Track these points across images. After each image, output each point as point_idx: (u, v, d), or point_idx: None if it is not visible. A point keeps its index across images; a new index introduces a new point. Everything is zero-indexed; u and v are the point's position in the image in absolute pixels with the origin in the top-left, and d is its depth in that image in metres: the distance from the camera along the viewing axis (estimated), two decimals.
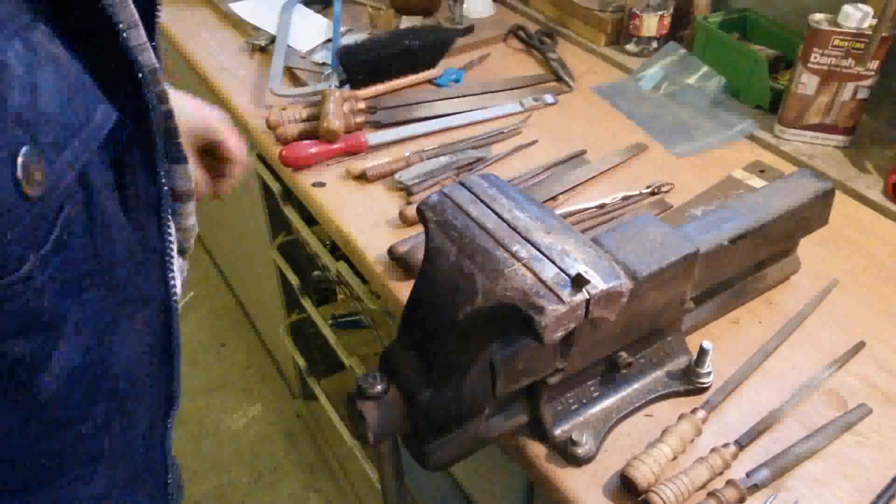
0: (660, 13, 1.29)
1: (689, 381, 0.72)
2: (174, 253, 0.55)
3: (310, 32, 1.37)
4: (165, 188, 0.52)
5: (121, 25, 0.43)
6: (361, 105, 1.14)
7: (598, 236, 0.66)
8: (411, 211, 0.94)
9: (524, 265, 0.54)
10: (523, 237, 0.57)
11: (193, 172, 0.69)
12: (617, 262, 0.62)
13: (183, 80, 1.68)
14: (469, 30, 1.41)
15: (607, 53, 1.36)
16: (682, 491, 0.61)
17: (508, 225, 0.58)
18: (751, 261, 0.77)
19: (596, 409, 0.69)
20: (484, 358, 0.60)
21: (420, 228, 0.93)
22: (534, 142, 1.10)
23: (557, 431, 0.67)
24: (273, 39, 1.36)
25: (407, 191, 0.99)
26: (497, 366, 0.62)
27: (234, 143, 0.78)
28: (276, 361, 2.09)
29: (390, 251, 0.88)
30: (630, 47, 1.34)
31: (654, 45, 1.32)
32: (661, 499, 0.60)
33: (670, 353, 0.74)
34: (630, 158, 1.07)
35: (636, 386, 0.72)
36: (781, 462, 0.65)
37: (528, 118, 1.17)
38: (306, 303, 1.44)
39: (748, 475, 0.64)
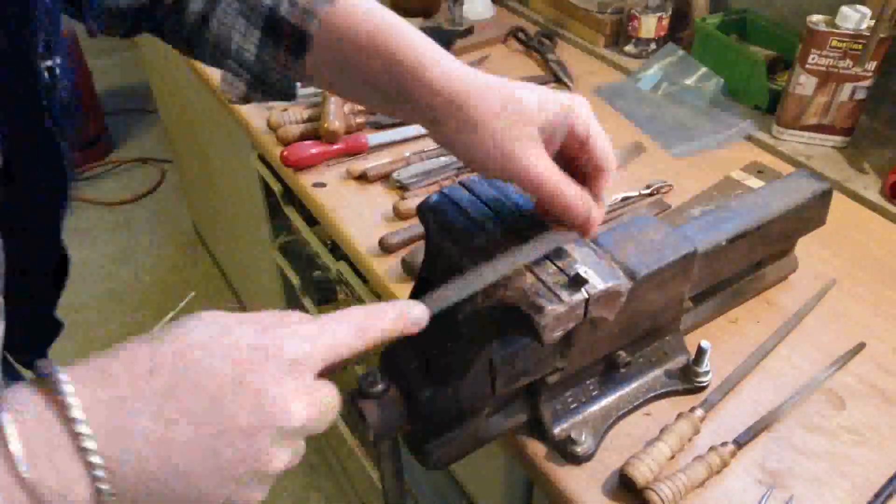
0: (658, 14, 1.29)
1: (687, 381, 0.72)
2: None
3: None
4: None
5: None
6: (362, 106, 1.14)
7: (597, 236, 0.66)
8: (405, 205, 0.95)
9: (524, 265, 0.55)
10: (523, 238, 0.57)
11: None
12: (616, 261, 0.62)
13: (184, 81, 1.69)
14: (469, 31, 1.41)
15: (606, 55, 1.36)
16: (680, 489, 0.61)
17: (508, 225, 0.59)
18: (749, 261, 0.78)
19: (595, 407, 0.70)
20: (484, 357, 0.61)
21: (412, 221, 0.93)
22: None
23: (557, 430, 0.68)
24: None
25: (403, 188, 1.00)
26: (497, 365, 0.62)
27: (601, 142, 0.55)
28: None
29: (381, 242, 0.89)
30: (629, 48, 1.34)
31: (653, 46, 1.32)
32: (660, 497, 0.60)
33: (669, 352, 0.74)
34: (629, 159, 1.08)
35: (635, 385, 0.72)
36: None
37: None
38: (307, 302, 1.44)
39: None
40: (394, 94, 0.56)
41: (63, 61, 0.49)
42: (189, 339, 0.38)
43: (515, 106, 0.52)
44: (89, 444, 0.34)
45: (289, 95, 0.64)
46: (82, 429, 0.34)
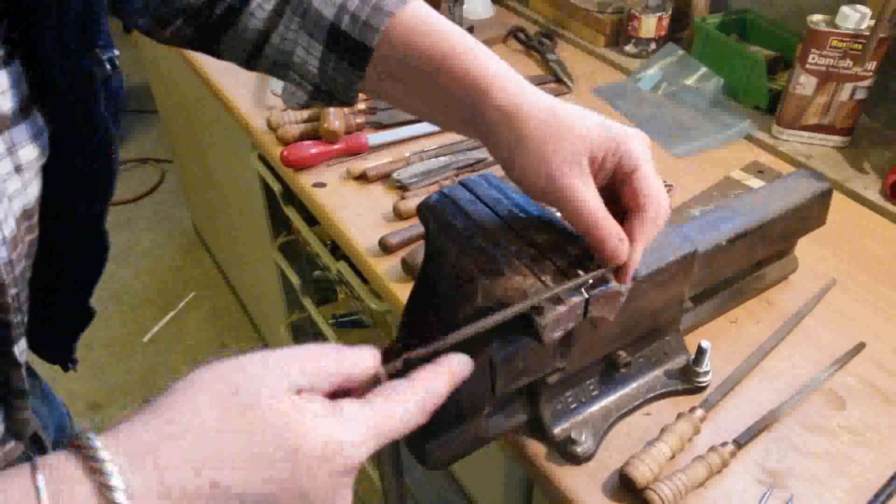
0: (658, 14, 1.29)
1: (687, 381, 0.72)
2: None
3: None
4: None
5: None
6: (362, 106, 1.14)
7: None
8: (405, 205, 0.95)
9: (524, 265, 0.55)
10: (523, 237, 0.57)
11: None
12: None
13: (184, 81, 1.69)
14: (469, 31, 1.41)
15: (606, 54, 1.36)
16: (680, 489, 0.61)
17: (508, 225, 0.59)
18: (749, 261, 0.78)
19: (595, 407, 0.70)
20: (484, 357, 0.61)
21: (412, 220, 0.94)
22: None
23: (557, 430, 0.68)
24: None
25: (403, 188, 1.00)
26: (497, 365, 0.62)
27: (648, 181, 0.52)
28: None
29: (381, 242, 0.89)
30: (629, 48, 1.34)
31: (653, 46, 1.32)
32: (660, 497, 0.60)
33: (669, 352, 0.74)
34: None
35: (635, 385, 0.72)
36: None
37: None
38: (307, 302, 1.44)
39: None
40: (457, 110, 0.56)
41: (118, 53, 0.50)
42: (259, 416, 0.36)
43: (565, 127, 0.52)
44: None
45: (349, 103, 0.64)
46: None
